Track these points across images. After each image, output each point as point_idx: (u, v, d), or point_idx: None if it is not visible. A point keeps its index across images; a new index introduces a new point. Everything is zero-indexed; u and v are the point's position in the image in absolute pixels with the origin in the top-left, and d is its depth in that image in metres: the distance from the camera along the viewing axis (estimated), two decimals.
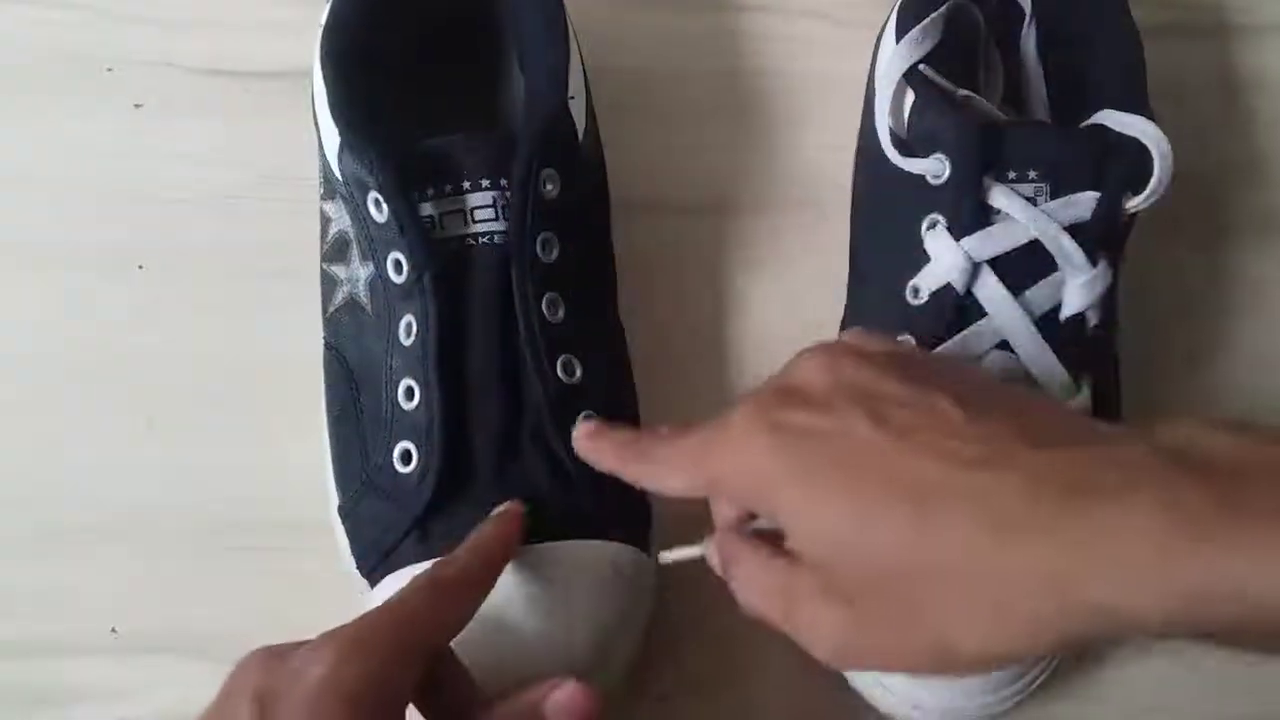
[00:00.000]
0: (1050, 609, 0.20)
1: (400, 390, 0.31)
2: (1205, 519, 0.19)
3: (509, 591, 0.30)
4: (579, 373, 0.31)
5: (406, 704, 0.25)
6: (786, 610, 0.24)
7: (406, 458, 0.30)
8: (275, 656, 0.25)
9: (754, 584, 0.25)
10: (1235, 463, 0.20)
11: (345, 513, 0.32)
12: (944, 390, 0.23)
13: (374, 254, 0.31)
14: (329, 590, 0.32)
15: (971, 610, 0.21)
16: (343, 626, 0.25)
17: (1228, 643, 0.20)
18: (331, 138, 0.31)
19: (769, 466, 0.23)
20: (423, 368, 0.30)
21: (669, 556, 0.28)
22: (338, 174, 0.31)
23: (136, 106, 0.39)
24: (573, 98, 0.32)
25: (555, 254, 0.31)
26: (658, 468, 0.26)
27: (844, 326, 0.36)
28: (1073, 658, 0.33)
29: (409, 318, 0.30)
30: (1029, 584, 0.20)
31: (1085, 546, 0.19)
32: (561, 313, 0.31)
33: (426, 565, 0.30)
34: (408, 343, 0.30)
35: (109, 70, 0.40)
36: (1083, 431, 0.22)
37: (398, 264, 0.30)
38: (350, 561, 0.32)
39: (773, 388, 0.24)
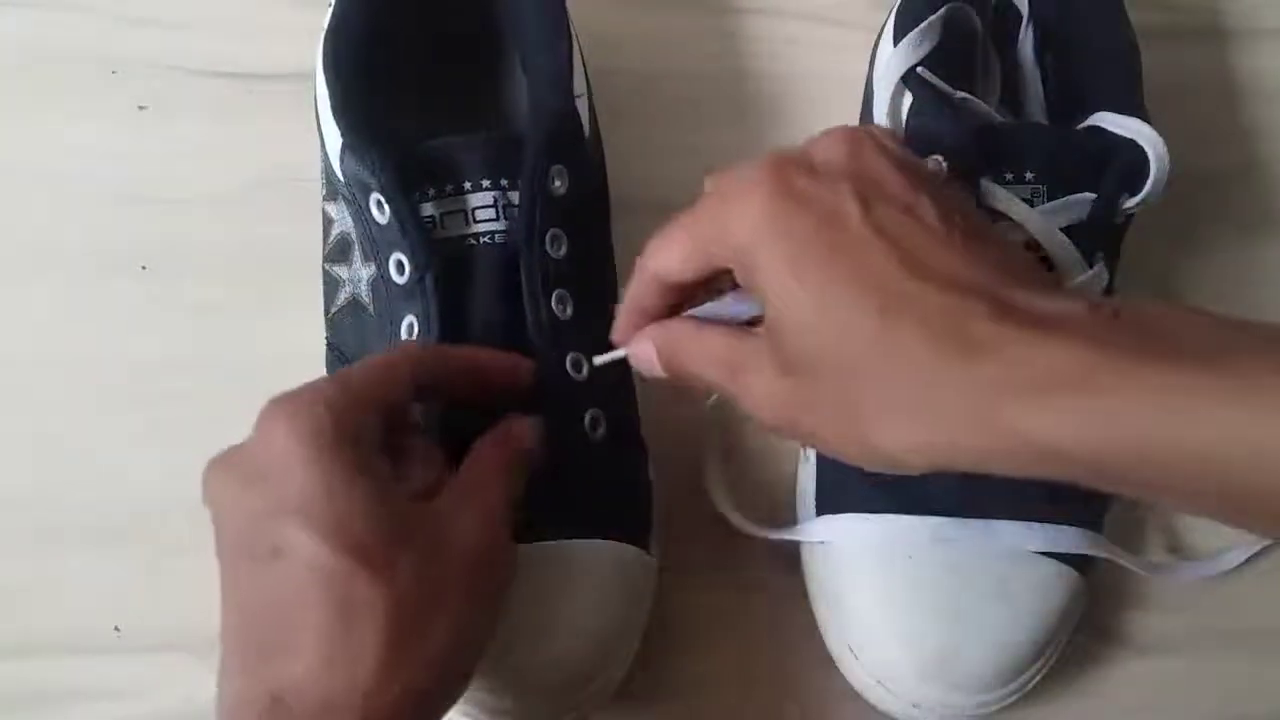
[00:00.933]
0: (978, 432, 0.21)
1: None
2: (1137, 362, 0.20)
3: (509, 591, 0.30)
4: (585, 369, 0.31)
5: (369, 447, 0.26)
6: (734, 374, 0.25)
7: None
8: (233, 469, 0.25)
9: (703, 352, 0.26)
10: (1174, 330, 0.21)
11: None
12: (941, 207, 0.24)
13: (376, 255, 0.31)
14: None
15: (905, 420, 0.22)
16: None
17: (1184, 507, 0.21)
18: (334, 139, 0.31)
19: (763, 223, 0.23)
20: None
21: (600, 359, 0.29)
22: (340, 175, 0.31)
23: (140, 108, 0.40)
24: (579, 96, 0.33)
25: (563, 251, 0.31)
26: (668, 231, 0.26)
27: None
28: (1071, 658, 0.33)
29: (411, 318, 0.30)
30: (964, 407, 0.21)
31: (1024, 373, 0.21)
32: (569, 310, 0.31)
33: None
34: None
35: (113, 72, 0.40)
36: (1050, 282, 0.23)
37: (400, 265, 0.30)
38: None
39: (797, 152, 0.25)
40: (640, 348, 0.28)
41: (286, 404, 0.25)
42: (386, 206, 0.30)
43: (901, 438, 0.22)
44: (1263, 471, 0.19)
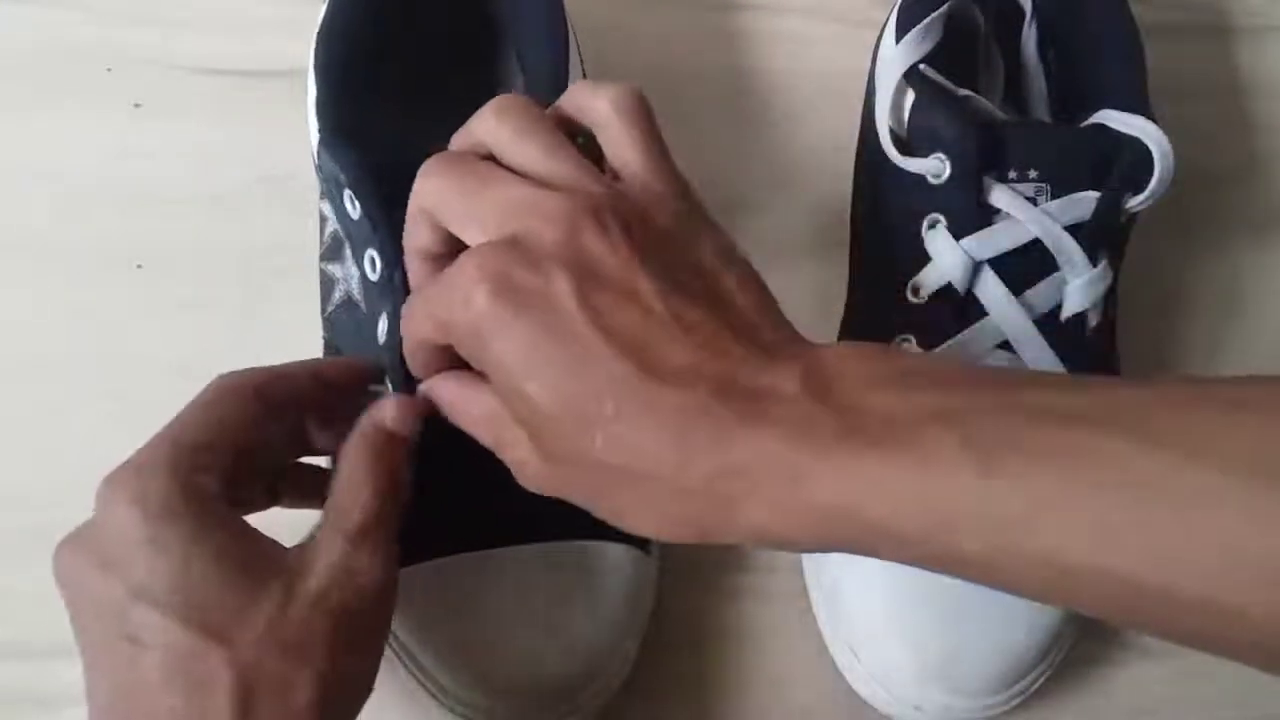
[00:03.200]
0: (715, 521, 0.23)
1: (387, 389, 0.30)
2: (830, 448, 0.21)
3: (510, 592, 0.30)
4: None
5: (214, 502, 0.25)
6: (497, 438, 0.25)
7: None
8: (81, 554, 0.25)
9: (471, 419, 0.26)
10: (870, 403, 0.22)
11: None
12: (663, 281, 0.23)
13: (354, 252, 0.31)
14: None
15: (649, 509, 0.23)
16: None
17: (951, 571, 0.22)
18: (314, 135, 0.31)
19: (482, 321, 0.23)
20: (395, 367, 0.29)
21: (378, 388, 0.29)
22: (320, 172, 0.31)
23: (136, 106, 0.39)
24: None
25: None
26: (408, 313, 0.26)
27: (844, 326, 0.36)
28: (1074, 660, 0.33)
29: (384, 316, 0.30)
30: (698, 499, 0.22)
31: (741, 471, 0.22)
32: None
33: (421, 566, 0.30)
34: (383, 341, 0.30)
35: (108, 70, 0.40)
36: (761, 345, 0.23)
37: (373, 261, 0.30)
38: None
39: (507, 236, 0.24)
40: (430, 396, 0.27)
41: (123, 479, 0.25)
42: (357, 203, 0.30)
43: (655, 528, 0.23)
44: (951, 537, 0.20)
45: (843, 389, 0.22)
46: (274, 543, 0.26)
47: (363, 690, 0.26)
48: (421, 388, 0.28)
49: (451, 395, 0.26)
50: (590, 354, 0.22)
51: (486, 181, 0.25)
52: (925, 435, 0.21)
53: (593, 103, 0.26)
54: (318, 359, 0.30)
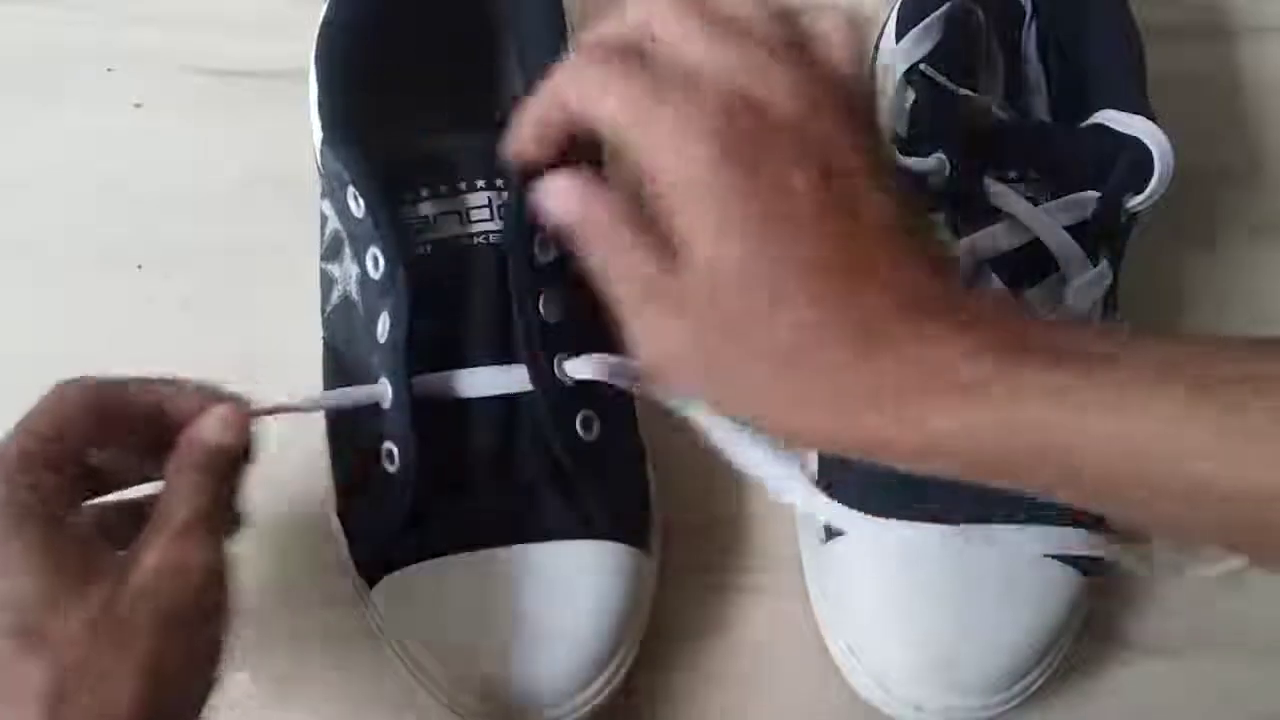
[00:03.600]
0: (878, 419, 0.22)
1: (386, 391, 0.31)
2: (1027, 364, 0.21)
3: (509, 592, 0.30)
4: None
5: (46, 505, 0.25)
6: (642, 303, 0.23)
7: (390, 457, 0.30)
8: None
9: (622, 256, 0.23)
10: (1064, 337, 0.22)
11: (341, 512, 0.32)
12: (892, 191, 0.23)
13: (356, 251, 0.31)
14: (329, 589, 0.32)
15: (816, 406, 0.22)
16: None
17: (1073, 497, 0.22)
18: (317, 134, 0.31)
19: (701, 175, 0.22)
20: (393, 365, 0.30)
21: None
22: (323, 171, 0.31)
23: (136, 106, 0.39)
24: None
25: (553, 253, 0.31)
26: (604, 80, 0.23)
27: None
28: (1074, 660, 0.33)
29: (385, 314, 0.30)
30: (872, 392, 0.22)
31: (935, 372, 0.21)
32: (559, 313, 0.31)
33: (421, 566, 0.30)
34: (383, 340, 0.30)
35: (108, 70, 0.40)
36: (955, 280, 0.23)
37: (375, 260, 0.30)
38: (349, 560, 0.32)
39: (757, 88, 0.22)
40: (557, 197, 0.24)
41: None
42: (361, 201, 0.30)
43: (810, 421, 0.22)
44: (1128, 462, 0.20)
45: (1036, 321, 0.22)
46: (108, 548, 0.25)
47: (202, 680, 0.25)
48: (565, 182, 0.24)
49: (603, 213, 0.23)
50: (805, 233, 0.22)
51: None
52: (1122, 362, 0.21)
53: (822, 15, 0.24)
54: (169, 385, 0.29)
